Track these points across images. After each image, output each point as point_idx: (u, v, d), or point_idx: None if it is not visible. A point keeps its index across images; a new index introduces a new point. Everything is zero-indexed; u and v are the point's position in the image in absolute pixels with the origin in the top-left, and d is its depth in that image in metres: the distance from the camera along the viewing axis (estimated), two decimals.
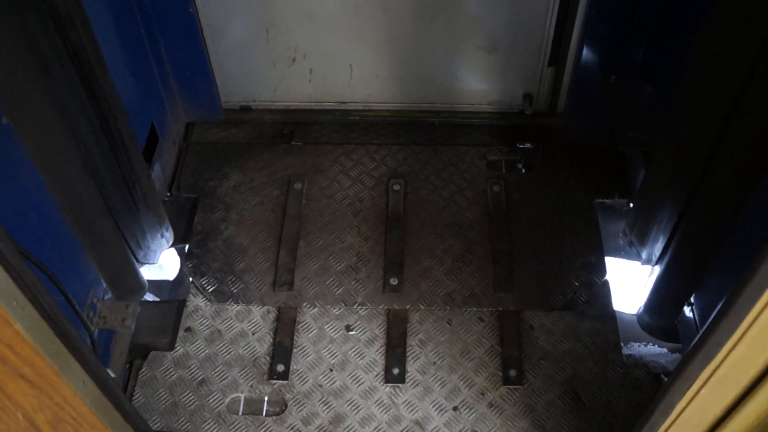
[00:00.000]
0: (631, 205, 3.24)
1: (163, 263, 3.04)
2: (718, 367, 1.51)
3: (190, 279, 3.08)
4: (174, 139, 3.50)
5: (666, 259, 2.62)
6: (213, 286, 3.07)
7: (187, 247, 3.20)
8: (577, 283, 3.03)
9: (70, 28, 2.14)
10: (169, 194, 3.38)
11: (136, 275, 2.85)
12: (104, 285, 2.76)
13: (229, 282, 3.08)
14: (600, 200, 3.29)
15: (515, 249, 3.15)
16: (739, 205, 2.32)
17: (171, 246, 3.08)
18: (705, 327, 1.50)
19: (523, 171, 3.42)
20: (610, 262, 3.11)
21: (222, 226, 3.26)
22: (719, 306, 1.44)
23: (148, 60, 3.22)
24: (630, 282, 3.07)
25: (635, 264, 3.00)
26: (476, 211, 3.28)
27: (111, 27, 2.81)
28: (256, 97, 3.66)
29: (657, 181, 2.69)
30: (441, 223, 3.24)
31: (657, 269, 2.75)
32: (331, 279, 3.08)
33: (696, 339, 1.55)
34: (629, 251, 3.04)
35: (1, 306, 1.32)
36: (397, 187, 3.36)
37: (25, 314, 1.40)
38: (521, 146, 3.50)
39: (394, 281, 3.05)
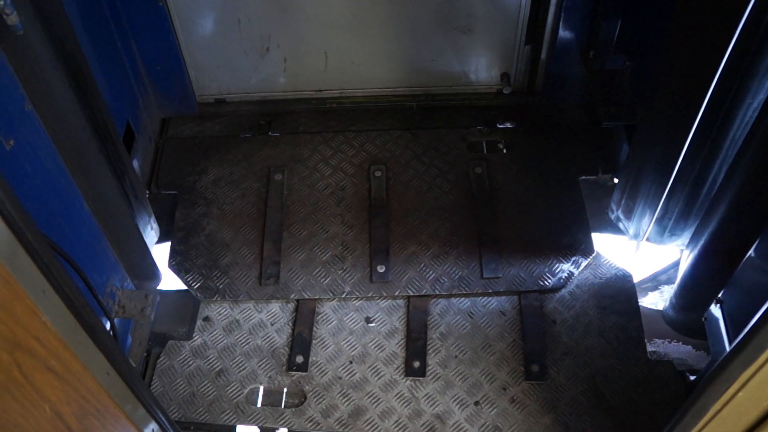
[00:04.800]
0: (616, 180, 3.21)
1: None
2: (758, 369, 1.47)
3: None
4: (150, 135, 3.43)
5: (696, 253, 2.56)
6: (198, 282, 3.02)
7: (170, 244, 3.15)
8: (564, 263, 3.01)
9: (53, 17, 2.13)
10: (148, 192, 3.32)
11: (152, 261, 2.86)
12: (122, 273, 2.75)
13: (215, 277, 3.03)
14: (584, 177, 3.27)
15: (501, 230, 3.12)
16: None
17: (158, 241, 3.04)
18: (748, 328, 1.47)
19: (505, 151, 3.39)
20: (599, 238, 3.10)
21: (204, 221, 3.21)
22: (764, 308, 1.41)
23: (120, 56, 3.15)
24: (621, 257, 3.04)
25: (623, 239, 2.98)
26: (459, 193, 3.25)
27: (79, 23, 2.73)
28: (230, 89, 3.61)
29: (641, 154, 2.67)
30: (425, 208, 3.21)
31: (689, 256, 2.68)
32: (318, 269, 3.04)
33: (738, 340, 1.51)
34: (616, 227, 3.03)
35: (29, 297, 1.30)
36: (378, 174, 3.32)
37: (53, 305, 1.39)
38: (501, 126, 3.47)
39: (381, 269, 3.02)
